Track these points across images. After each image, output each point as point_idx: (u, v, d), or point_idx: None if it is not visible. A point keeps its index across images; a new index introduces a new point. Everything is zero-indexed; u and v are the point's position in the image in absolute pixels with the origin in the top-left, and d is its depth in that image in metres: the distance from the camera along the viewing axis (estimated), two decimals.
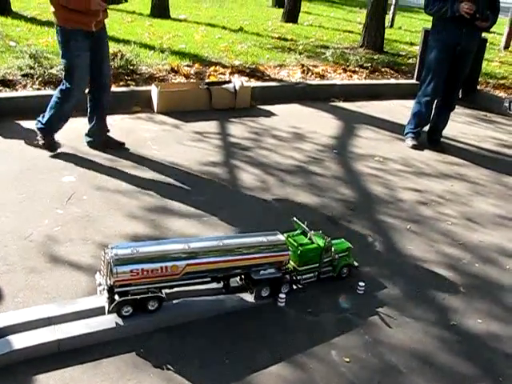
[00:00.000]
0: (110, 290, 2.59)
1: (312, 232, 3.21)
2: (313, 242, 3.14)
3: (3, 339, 2.45)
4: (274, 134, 5.73)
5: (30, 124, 5.25)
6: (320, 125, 6.14)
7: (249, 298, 2.96)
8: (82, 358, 2.46)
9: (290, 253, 3.01)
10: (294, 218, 3.34)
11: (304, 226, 3.24)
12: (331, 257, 3.16)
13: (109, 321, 2.62)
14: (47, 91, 5.72)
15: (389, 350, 2.70)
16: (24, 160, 4.48)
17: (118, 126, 5.42)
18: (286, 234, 3.19)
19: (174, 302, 2.80)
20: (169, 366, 2.46)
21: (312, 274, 3.13)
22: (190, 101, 6.02)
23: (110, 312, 2.60)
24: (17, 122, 5.29)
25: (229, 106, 6.31)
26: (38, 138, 4.68)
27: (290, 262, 3.07)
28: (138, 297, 2.61)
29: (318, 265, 3.12)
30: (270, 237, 3.00)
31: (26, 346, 2.43)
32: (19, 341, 2.45)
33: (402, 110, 6.73)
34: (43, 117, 4.66)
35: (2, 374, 2.34)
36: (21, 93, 5.67)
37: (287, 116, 6.36)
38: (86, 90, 4.74)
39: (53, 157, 4.58)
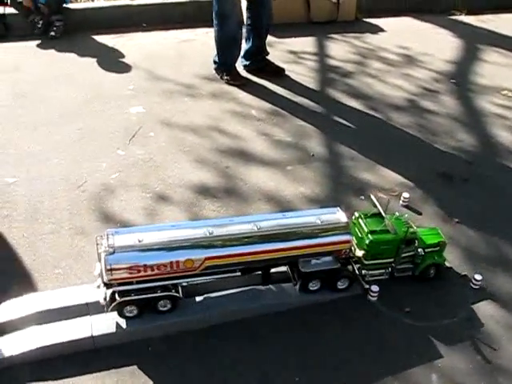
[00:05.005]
0: (109, 286, 2.05)
1: (396, 215, 2.44)
2: (388, 231, 2.35)
3: (27, 330, 2.07)
4: (380, 55, 4.92)
5: (104, 39, 4.80)
6: (436, 45, 5.22)
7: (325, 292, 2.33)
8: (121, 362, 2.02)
9: (351, 238, 2.28)
10: (371, 195, 2.58)
11: (379, 208, 2.43)
12: (414, 251, 2.42)
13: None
14: (125, 0, 5.17)
15: (509, 380, 2.05)
16: (91, 85, 4.03)
17: (200, 41, 4.82)
18: (358, 213, 2.45)
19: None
20: None
21: (383, 271, 2.41)
22: (285, 12, 5.29)
23: (109, 311, 2.07)
24: (92, 36, 4.82)
25: (330, 18, 5.62)
26: (221, 77, 4.21)
27: (356, 249, 2.37)
28: (143, 297, 2.07)
29: (392, 260, 2.39)
30: (325, 216, 2.27)
31: (55, 343, 2.02)
32: (47, 335, 2.04)
33: None
34: (215, 55, 4.15)
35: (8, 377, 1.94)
36: (96, 3, 5.15)
37: (397, 32, 5.49)
38: (244, 7, 4.14)
39: (122, 82, 4.08)
